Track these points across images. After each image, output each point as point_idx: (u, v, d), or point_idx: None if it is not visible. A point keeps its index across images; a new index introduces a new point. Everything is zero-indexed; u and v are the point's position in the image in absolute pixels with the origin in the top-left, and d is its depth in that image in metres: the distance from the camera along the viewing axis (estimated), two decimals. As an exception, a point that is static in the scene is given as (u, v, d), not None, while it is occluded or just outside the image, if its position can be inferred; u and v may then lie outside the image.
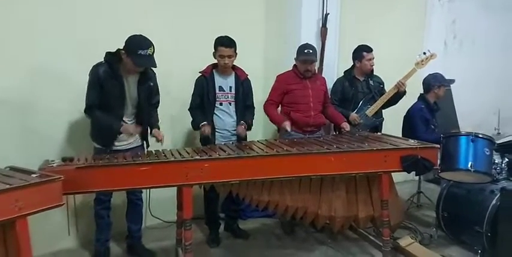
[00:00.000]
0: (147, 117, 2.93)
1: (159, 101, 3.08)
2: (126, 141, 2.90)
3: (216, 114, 3.23)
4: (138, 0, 3.43)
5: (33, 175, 1.99)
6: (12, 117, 2.95)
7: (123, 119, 2.84)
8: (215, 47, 3.16)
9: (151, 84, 2.92)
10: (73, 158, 2.43)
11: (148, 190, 2.85)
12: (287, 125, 3.28)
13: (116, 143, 2.86)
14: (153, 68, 2.87)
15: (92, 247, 3.12)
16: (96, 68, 2.74)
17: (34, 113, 3.02)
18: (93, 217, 3.03)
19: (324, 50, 3.89)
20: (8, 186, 1.81)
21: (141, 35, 2.70)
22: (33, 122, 3.02)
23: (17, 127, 2.97)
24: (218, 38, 3.16)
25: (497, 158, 3.22)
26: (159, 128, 2.94)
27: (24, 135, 3.00)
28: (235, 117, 3.28)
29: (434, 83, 3.80)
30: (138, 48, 2.63)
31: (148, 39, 2.69)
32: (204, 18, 3.66)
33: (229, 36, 3.16)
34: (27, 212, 1.86)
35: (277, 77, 3.54)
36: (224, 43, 3.12)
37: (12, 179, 1.93)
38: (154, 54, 2.69)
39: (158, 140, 2.85)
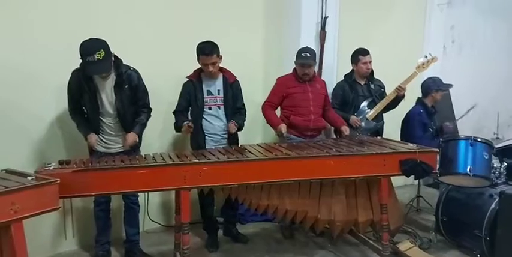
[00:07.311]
0: (130, 120, 2.90)
1: (146, 102, 2.99)
2: (118, 144, 2.91)
3: (205, 119, 3.18)
4: (134, 2, 3.38)
5: (29, 178, 1.97)
6: (1, 119, 2.89)
7: (105, 122, 2.86)
8: (197, 55, 3.08)
9: (126, 86, 2.83)
10: (70, 161, 2.40)
11: (146, 193, 2.82)
12: (282, 128, 3.26)
13: (104, 146, 2.88)
14: (134, 69, 2.86)
15: (91, 252, 3.10)
16: (71, 74, 2.78)
17: (24, 115, 2.98)
18: (91, 221, 3.01)
19: (322, 53, 3.89)
20: (3, 189, 1.79)
21: (90, 39, 2.60)
22: (23, 124, 2.98)
23: (7, 129, 2.91)
24: (199, 45, 3.07)
25: (496, 162, 3.21)
26: (138, 133, 2.90)
27: (15, 137, 2.94)
28: (225, 121, 3.22)
29: (433, 87, 3.79)
30: (84, 55, 2.58)
31: (96, 43, 2.58)
32: (203, 21, 3.64)
33: (211, 41, 3.06)
34: (23, 215, 1.84)
35: (277, 80, 3.53)
36: (205, 52, 3.03)
37: (7, 181, 1.91)
38: (105, 58, 2.57)
39: (127, 144, 2.86)
